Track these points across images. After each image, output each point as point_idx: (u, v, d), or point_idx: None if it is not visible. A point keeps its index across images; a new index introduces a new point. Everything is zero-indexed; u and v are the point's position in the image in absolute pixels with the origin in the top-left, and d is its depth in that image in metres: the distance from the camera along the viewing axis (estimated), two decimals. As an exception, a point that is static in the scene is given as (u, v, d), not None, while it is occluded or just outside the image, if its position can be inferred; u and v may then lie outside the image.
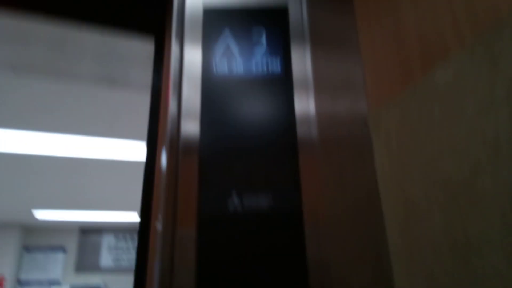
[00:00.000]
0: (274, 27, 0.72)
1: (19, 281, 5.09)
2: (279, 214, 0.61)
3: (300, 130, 0.65)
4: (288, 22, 0.72)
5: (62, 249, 5.39)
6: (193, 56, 0.70)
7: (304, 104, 0.67)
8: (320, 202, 0.61)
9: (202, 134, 0.65)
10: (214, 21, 0.73)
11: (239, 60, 0.70)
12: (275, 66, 0.69)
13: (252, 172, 0.63)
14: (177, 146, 0.65)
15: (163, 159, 0.66)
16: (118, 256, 5.55)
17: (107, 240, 5.58)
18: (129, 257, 5.56)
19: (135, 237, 5.40)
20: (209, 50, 0.70)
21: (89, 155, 2.62)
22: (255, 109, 0.66)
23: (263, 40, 0.71)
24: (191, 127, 0.65)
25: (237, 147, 0.64)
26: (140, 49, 1.13)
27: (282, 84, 0.68)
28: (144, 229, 0.80)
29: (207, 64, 0.69)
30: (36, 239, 5.34)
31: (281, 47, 0.70)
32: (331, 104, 0.67)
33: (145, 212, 0.82)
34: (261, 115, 0.66)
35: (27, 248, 5.27)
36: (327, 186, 0.62)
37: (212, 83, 0.68)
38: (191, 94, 0.67)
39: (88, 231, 5.54)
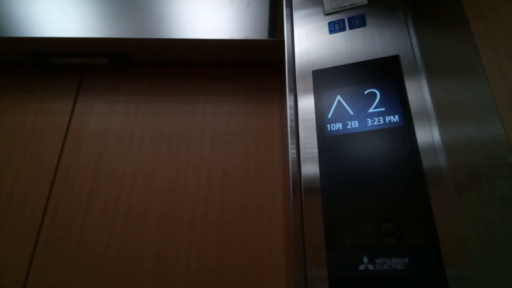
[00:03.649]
0: (386, 77, 0.68)
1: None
2: (417, 277, 0.52)
3: (429, 175, 0.58)
4: (401, 70, 0.68)
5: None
6: (306, 105, 0.72)
7: (430, 148, 0.60)
8: (464, 259, 0.52)
9: (324, 187, 0.63)
10: (324, 80, 0.73)
11: (353, 116, 0.67)
12: (393, 117, 0.64)
13: (382, 230, 0.56)
14: (300, 187, 0.66)
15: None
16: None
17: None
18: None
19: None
20: (322, 108, 0.70)
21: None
22: (377, 160, 0.62)
23: (377, 93, 0.67)
24: (311, 169, 0.66)
25: (362, 199, 0.60)
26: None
27: (402, 133, 0.63)
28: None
29: (320, 122, 0.69)
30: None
31: (396, 97, 0.66)
32: (462, 141, 0.60)
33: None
34: (385, 166, 0.61)
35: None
36: (470, 240, 0.53)
37: (327, 140, 0.67)
38: (308, 139, 0.69)
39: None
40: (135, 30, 0.91)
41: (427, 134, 0.61)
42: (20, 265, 0.78)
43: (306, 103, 0.72)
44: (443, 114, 0.63)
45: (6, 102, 0.98)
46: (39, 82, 1.00)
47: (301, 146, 0.68)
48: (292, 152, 0.69)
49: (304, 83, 0.74)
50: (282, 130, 0.90)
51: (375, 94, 0.67)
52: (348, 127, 0.66)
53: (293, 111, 0.73)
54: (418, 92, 0.65)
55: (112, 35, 0.91)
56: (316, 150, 0.66)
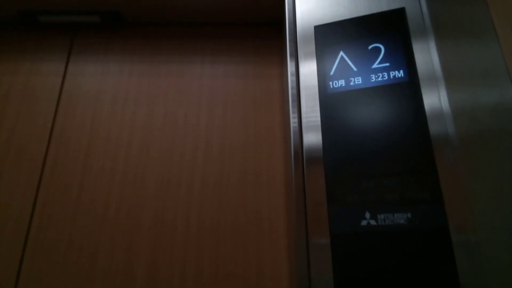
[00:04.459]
0: (391, 31, 0.65)
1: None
2: (420, 231, 0.51)
3: (434, 130, 0.56)
4: (407, 24, 0.64)
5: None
6: (308, 71, 0.69)
7: (436, 104, 0.58)
8: (468, 215, 0.51)
9: (325, 145, 0.61)
10: (326, 36, 0.69)
11: (356, 72, 0.64)
12: (398, 72, 0.61)
13: (384, 186, 0.55)
14: (302, 157, 0.64)
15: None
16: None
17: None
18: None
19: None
20: (324, 65, 0.67)
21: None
22: (380, 117, 0.60)
23: (382, 48, 0.64)
24: (313, 138, 0.63)
25: (365, 156, 0.58)
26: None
27: (407, 89, 0.60)
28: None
29: (322, 79, 0.66)
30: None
31: (402, 51, 0.63)
32: (469, 97, 0.58)
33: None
34: (388, 122, 0.59)
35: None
36: (474, 195, 0.51)
37: (329, 97, 0.64)
38: (310, 107, 0.66)
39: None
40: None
41: (432, 92, 0.59)
42: (18, 228, 0.78)
43: (308, 68, 0.69)
44: (450, 73, 0.60)
45: (-5, 63, 0.94)
46: (29, 43, 0.96)
47: (303, 115, 0.66)
48: (293, 121, 0.67)
49: (306, 41, 0.71)
50: (282, 91, 0.87)
51: (379, 49, 0.64)
52: (351, 83, 0.63)
53: (294, 78, 0.70)
54: (424, 50, 0.63)
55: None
56: (318, 119, 0.64)
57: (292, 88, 0.70)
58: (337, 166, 0.59)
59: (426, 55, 0.62)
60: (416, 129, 0.57)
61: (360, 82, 0.63)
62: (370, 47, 0.65)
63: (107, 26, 0.97)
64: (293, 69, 0.71)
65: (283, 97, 0.86)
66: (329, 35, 0.69)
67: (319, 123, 0.64)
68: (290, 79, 0.70)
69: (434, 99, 0.59)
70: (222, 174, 0.81)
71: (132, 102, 0.88)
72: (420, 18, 0.66)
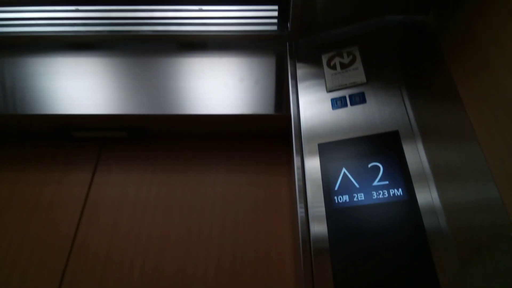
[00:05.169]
0: (388, 152, 0.73)
1: None
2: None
3: (432, 240, 0.62)
4: (401, 145, 0.73)
5: None
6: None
7: (435, 224, 0.64)
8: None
9: (333, 257, 0.66)
10: (329, 153, 0.78)
11: (358, 188, 0.71)
12: (397, 191, 0.68)
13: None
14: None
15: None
16: None
17: None
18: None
19: None
20: (328, 180, 0.74)
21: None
22: (383, 231, 0.65)
23: (380, 167, 0.72)
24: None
25: (372, 274, 0.62)
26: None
27: (407, 207, 0.66)
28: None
29: (327, 193, 0.73)
30: None
31: (399, 170, 0.70)
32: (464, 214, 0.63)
33: None
34: (390, 237, 0.64)
35: None
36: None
37: (335, 212, 0.70)
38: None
39: None
40: (151, 105, 0.98)
41: (429, 205, 0.65)
42: None
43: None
44: (443, 184, 0.66)
45: (28, 173, 1.03)
46: (60, 154, 1.07)
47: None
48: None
49: (311, 155, 0.79)
50: (291, 199, 0.93)
51: (378, 167, 0.71)
52: (355, 199, 0.69)
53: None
54: (417, 162, 0.70)
55: (130, 111, 0.98)
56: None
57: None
58: (345, 280, 0.61)
59: (419, 167, 0.69)
60: (418, 246, 0.61)
61: (363, 198, 0.69)
62: (370, 165, 0.72)
63: (132, 138, 1.08)
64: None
65: (292, 193, 0.92)
66: (332, 152, 0.77)
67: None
68: (297, 172, 0.77)
69: (432, 214, 0.64)
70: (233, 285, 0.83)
71: (150, 211, 0.94)
72: (411, 134, 0.74)
